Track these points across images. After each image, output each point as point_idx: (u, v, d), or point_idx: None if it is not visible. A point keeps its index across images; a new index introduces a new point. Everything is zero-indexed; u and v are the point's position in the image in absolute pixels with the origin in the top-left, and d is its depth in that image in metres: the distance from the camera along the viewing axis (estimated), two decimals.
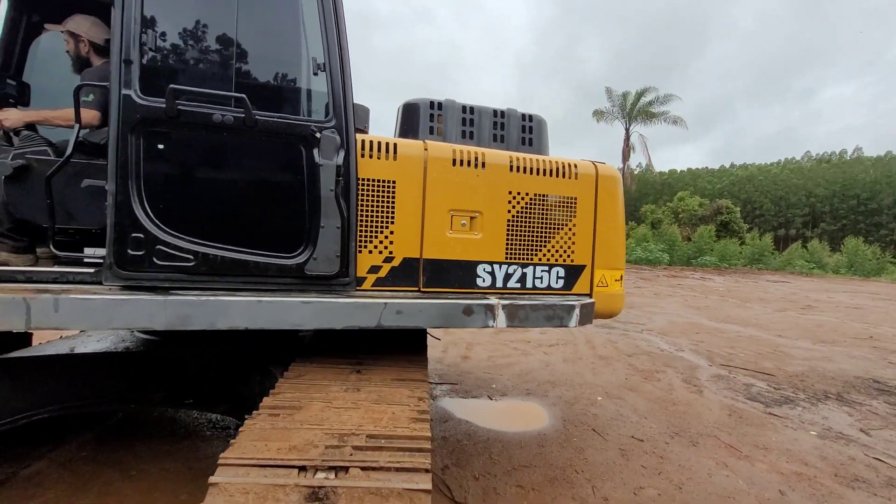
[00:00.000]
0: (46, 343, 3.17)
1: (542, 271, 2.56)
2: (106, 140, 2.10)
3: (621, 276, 2.78)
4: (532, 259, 2.54)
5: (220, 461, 1.46)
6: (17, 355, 2.80)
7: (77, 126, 2.02)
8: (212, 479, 1.39)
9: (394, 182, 2.26)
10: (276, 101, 2.10)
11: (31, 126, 2.36)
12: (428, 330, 2.97)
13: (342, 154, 2.09)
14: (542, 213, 2.54)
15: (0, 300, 1.66)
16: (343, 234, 2.12)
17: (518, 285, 2.51)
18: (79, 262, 2.11)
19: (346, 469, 1.47)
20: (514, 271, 2.50)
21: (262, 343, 2.87)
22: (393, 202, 2.26)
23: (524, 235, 2.51)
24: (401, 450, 1.58)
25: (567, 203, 2.59)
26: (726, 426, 3.83)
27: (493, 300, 2.32)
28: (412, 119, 2.64)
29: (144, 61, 1.90)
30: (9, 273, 1.90)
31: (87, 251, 2.17)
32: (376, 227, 2.25)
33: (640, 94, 32.28)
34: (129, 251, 1.88)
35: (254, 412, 1.75)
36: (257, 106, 1.98)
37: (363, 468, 1.47)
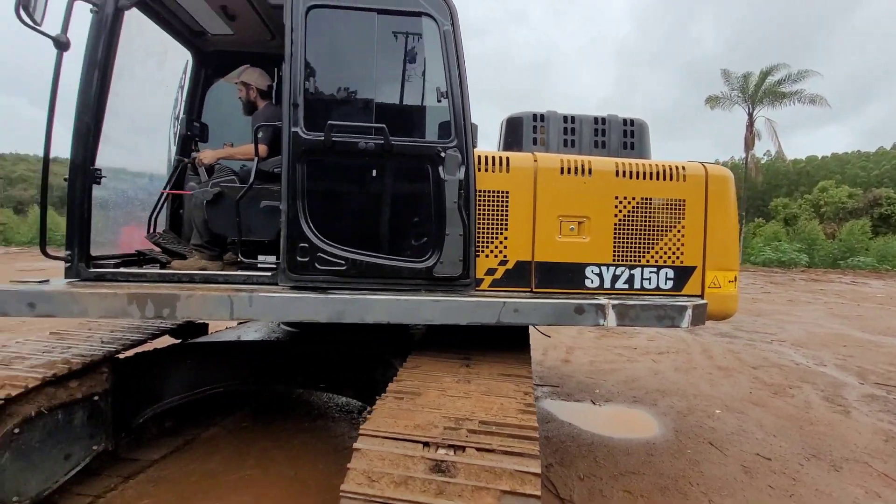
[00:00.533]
0: (218, 332, 3.90)
1: (651, 272, 2.56)
2: (273, 168, 2.62)
3: (735, 277, 2.68)
4: (640, 261, 2.56)
5: (360, 432, 1.74)
6: (200, 341, 3.52)
7: (256, 158, 2.57)
8: (355, 446, 1.68)
9: (507, 192, 2.48)
10: (407, 127, 2.46)
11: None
12: (537, 328, 3.09)
13: (463, 170, 2.37)
14: (650, 216, 2.55)
15: (213, 298, 2.21)
16: (465, 240, 2.40)
17: (626, 286, 2.55)
18: (254, 267, 2.65)
19: (463, 448, 1.66)
20: (622, 273, 2.55)
21: (380, 338, 3.24)
22: (507, 210, 2.48)
23: (631, 238, 2.55)
24: (511, 436, 1.72)
25: (675, 205, 2.56)
26: (880, 452, 3.32)
27: (602, 300, 2.40)
28: (516, 132, 2.83)
29: (307, 104, 2.36)
30: (211, 276, 2.48)
31: (260, 258, 2.72)
32: (492, 233, 2.49)
33: (765, 74, 28.24)
34: (298, 258, 2.35)
35: (382, 395, 2.03)
36: (392, 132, 2.34)
37: (478, 449, 1.65)
